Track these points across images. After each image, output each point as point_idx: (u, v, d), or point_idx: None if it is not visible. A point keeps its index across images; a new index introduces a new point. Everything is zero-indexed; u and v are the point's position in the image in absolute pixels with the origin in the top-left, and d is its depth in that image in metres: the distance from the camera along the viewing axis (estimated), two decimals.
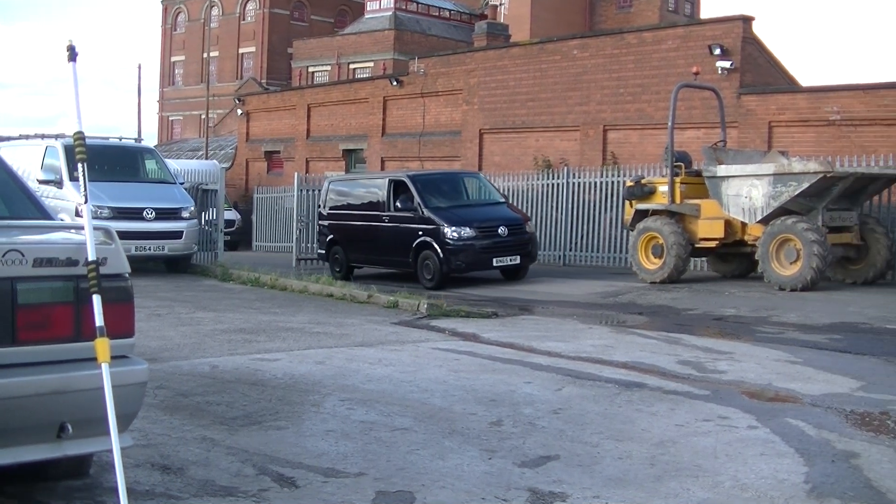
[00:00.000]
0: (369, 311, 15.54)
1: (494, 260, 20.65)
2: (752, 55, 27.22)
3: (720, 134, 22.29)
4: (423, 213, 21.03)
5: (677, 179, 20.46)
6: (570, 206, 27.12)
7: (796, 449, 6.80)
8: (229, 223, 31.54)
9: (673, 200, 20.27)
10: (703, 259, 22.03)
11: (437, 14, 63.02)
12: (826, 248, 17.53)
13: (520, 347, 11.76)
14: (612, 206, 25.60)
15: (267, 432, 7.23)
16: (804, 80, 30.72)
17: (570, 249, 27.11)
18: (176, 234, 21.71)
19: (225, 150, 50.80)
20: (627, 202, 21.80)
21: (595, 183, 26.42)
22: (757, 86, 26.79)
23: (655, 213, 20.48)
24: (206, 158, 46.41)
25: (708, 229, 19.81)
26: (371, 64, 58.61)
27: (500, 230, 20.77)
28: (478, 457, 6.61)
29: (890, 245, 18.83)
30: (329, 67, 61.88)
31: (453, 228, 20.40)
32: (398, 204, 21.65)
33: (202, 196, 24.65)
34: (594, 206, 26.58)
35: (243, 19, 77.85)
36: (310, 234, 27.71)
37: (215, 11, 77.63)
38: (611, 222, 25.82)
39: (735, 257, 20.58)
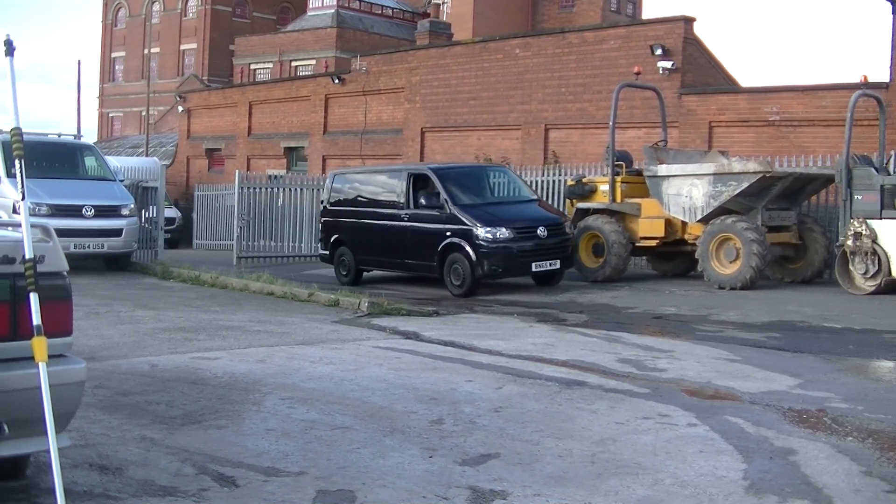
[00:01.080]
0: (310, 310, 15.49)
1: (534, 264, 18.65)
2: (693, 56, 27.38)
3: (661, 133, 22.46)
4: (450, 210, 18.93)
5: (618, 179, 20.58)
6: None
7: (735, 446, 6.85)
8: (170, 221, 31.38)
9: (614, 199, 20.38)
10: (644, 258, 22.15)
11: (379, 12, 62.92)
12: (765, 247, 17.72)
13: (461, 346, 11.77)
14: (553, 205, 25.65)
15: (207, 431, 7.19)
16: (744, 81, 30.98)
17: None
18: (115, 232, 21.50)
19: (166, 148, 50.44)
20: (568, 201, 21.89)
21: (536, 182, 26.47)
22: (698, 86, 26.96)
23: (596, 212, 20.59)
24: (147, 155, 46.05)
25: (648, 228, 19.95)
26: (313, 61, 58.39)
27: (538, 231, 18.76)
28: (418, 455, 6.60)
29: (827, 244, 19.03)
30: (271, 65, 61.59)
31: (487, 229, 18.39)
32: (422, 200, 19.55)
33: (142, 193, 24.48)
34: None
35: (185, 15, 77.28)
36: (249, 232, 27.54)
37: (157, 7, 77.13)
38: None
39: (675, 256, 20.72)
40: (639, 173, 20.64)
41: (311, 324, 13.68)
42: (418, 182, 20.03)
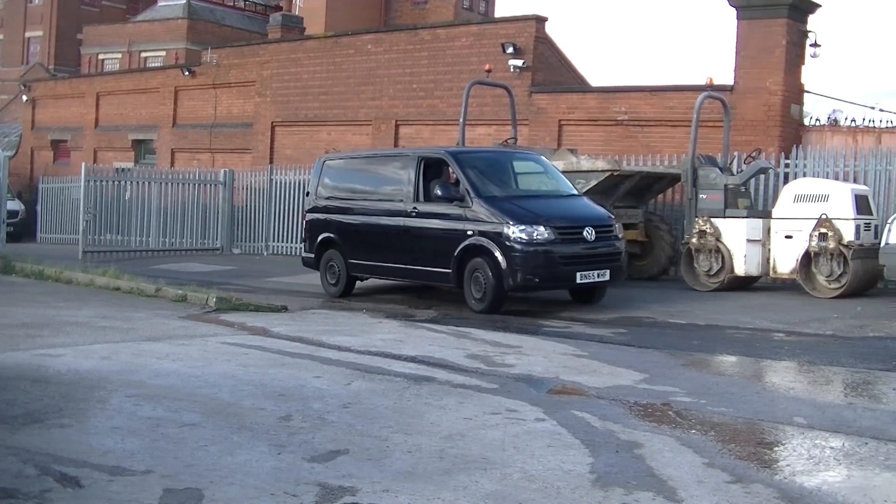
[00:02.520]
0: (157, 305, 15.25)
1: (579, 275, 15.21)
2: (544, 55, 27.65)
3: (511, 131, 22.65)
4: (473, 204, 15.51)
5: None
6: None
7: (582, 440, 6.93)
8: (12, 214, 30.53)
9: None
10: None
11: (231, 4, 62.19)
12: None
13: (309, 342, 11.71)
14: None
15: (50, 431, 7.02)
16: (594, 81, 31.42)
17: None
18: None
19: (9, 138, 49.13)
20: None
21: None
22: (548, 85, 27.23)
23: None
24: None
25: None
26: (163, 53, 57.44)
27: (585, 232, 15.36)
28: (267, 452, 6.54)
29: (673, 242, 19.45)
30: (120, 55, 60.38)
31: (522, 227, 14.93)
32: (436, 191, 16.02)
33: None
34: None
35: (31, 1, 75.31)
36: (96, 226, 26.99)
37: None
38: None
39: None
40: None
41: (159, 319, 13.47)
42: (430, 169, 16.80)
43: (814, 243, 16.91)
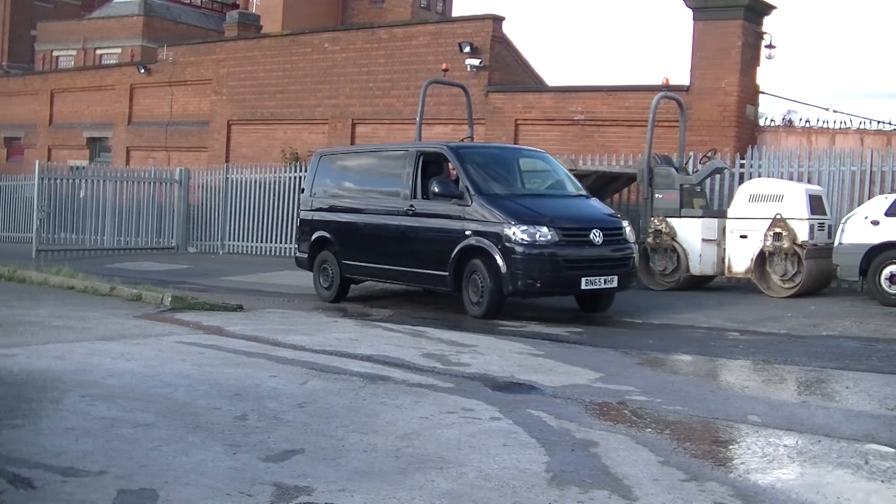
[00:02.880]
0: (112, 304, 15.15)
1: (584, 280, 14.23)
2: (500, 54, 27.70)
3: (467, 130, 22.63)
4: (473, 202, 14.71)
5: None
6: None
7: (538, 439, 6.94)
8: None
9: None
10: None
11: (188, 2, 61.84)
12: None
13: (265, 341, 11.67)
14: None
15: (2, 432, 6.94)
16: (551, 80, 31.50)
17: None
18: None
19: None
20: None
21: None
22: (504, 84, 27.27)
23: None
24: None
25: None
26: (119, 50, 57.04)
27: (592, 235, 14.45)
28: (222, 452, 6.51)
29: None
30: (75, 52, 59.93)
31: (523, 228, 14.10)
32: (434, 188, 15.18)
33: None
34: None
35: None
36: (50, 224, 26.76)
37: None
38: None
39: None
40: None
41: (113, 319, 13.38)
42: (429, 165, 16.07)
43: (768, 243, 17.03)
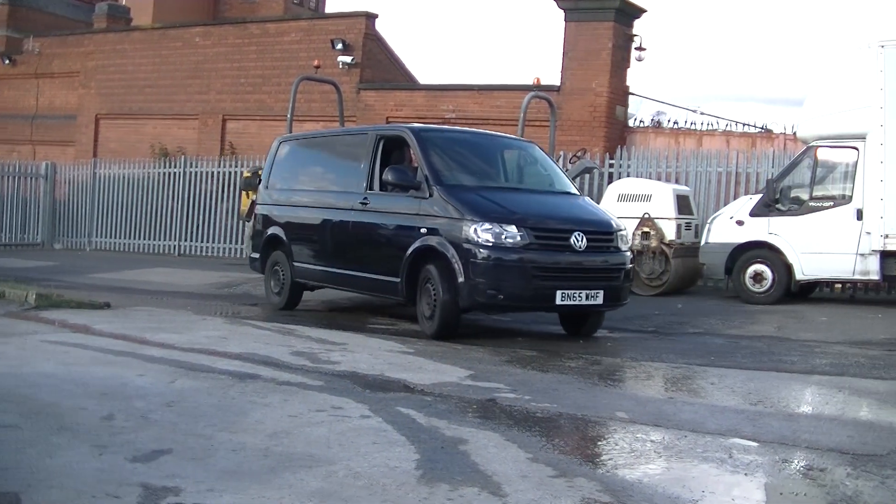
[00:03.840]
0: None
1: (560, 294, 11.72)
2: (373, 52, 27.70)
3: (338, 127, 22.57)
4: (431, 192, 12.35)
5: None
6: (186, 195, 26.96)
7: (407, 437, 6.92)
8: None
9: None
10: None
11: None
12: None
13: (133, 339, 11.47)
14: (229, 197, 25.56)
15: None
16: (424, 79, 31.59)
17: (186, 239, 26.94)
18: None
19: None
20: (244, 193, 21.70)
21: (213, 173, 26.34)
22: (376, 82, 27.28)
23: None
24: None
25: None
26: None
27: (573, 239, 11.92)
28: (88, 453, 6.37)
29: None
30: None
31: (487, 226, 11.64)
32: (387, 177, 12.84)
33: None
34: (211, 196, 26.50)
35: None
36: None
37: None
38: (228, 213, 25.79)
39: None
40: None
41: None
42: (392, 153, 13.79)
43: (636, 242, 17.27)
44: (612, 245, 12.43)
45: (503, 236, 11.54)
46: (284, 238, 15.12)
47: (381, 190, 13.29)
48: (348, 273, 13.83)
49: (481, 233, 11.57)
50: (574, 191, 13.78)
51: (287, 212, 15.33)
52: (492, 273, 11.53)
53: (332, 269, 14.21)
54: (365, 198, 13.49)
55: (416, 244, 12.30)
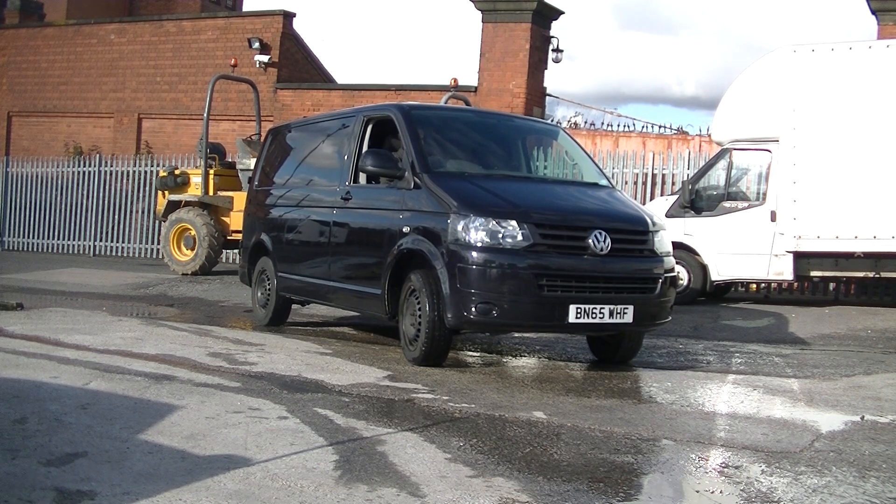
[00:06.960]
0: None
1: (574, 309, 9.37)
2: (290, 51, 27.63)
3: (255, 127, 22.51)
4: (417, 182, 10.20)
5: (211, 171, 20.52)
6: (101, 195, 26.68)
7: (325, 438, 6.91)
8: None
9: (206, 192, 20.26)
10: (237, 251, 22.16)
11: None
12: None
13: (46, 341, 11.32)
14: (144, 196, 25.36)
15: None
16: (342, 79, 31.57)
17: (101, 240, 26.67)
18: None
19: None
20: (160, 192, 21.59)
21: (128, 172, 26.09)
22: (293, 81, 27.20)
23: (188, 204, 20.42)
24: None
25: (240, 222, 19.96)
26: None
27: (592, 239, 9.58)
28: (0, 457, 6.29)
29: None
30: None
31: (479, 222, 9.41)
32: (366, 163, 10.55)
33: None
34: (126, 195, 26.26)
35: None
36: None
37: None
38: (143, 212, 25.59)
39: None
40: (231, 166, 20.65)
41: None
42: (382, 138, 11.51)
43: None
44: (645, 248, 10.08)
45: (500, 235, 9.36)
46: (269, 243, 13.22)
47: (365, 182, 11.26)
48: (329, 284, 11.85)
49: (472, 230, 9.39)
50: (605, 182, 11.34)
51: (274, 213, 13.36)
52: (485, 282, 9.33)
53: (312, 279, 12.23)
54: (347, 192, 11.44)
55: (399, 245, 10.22)
